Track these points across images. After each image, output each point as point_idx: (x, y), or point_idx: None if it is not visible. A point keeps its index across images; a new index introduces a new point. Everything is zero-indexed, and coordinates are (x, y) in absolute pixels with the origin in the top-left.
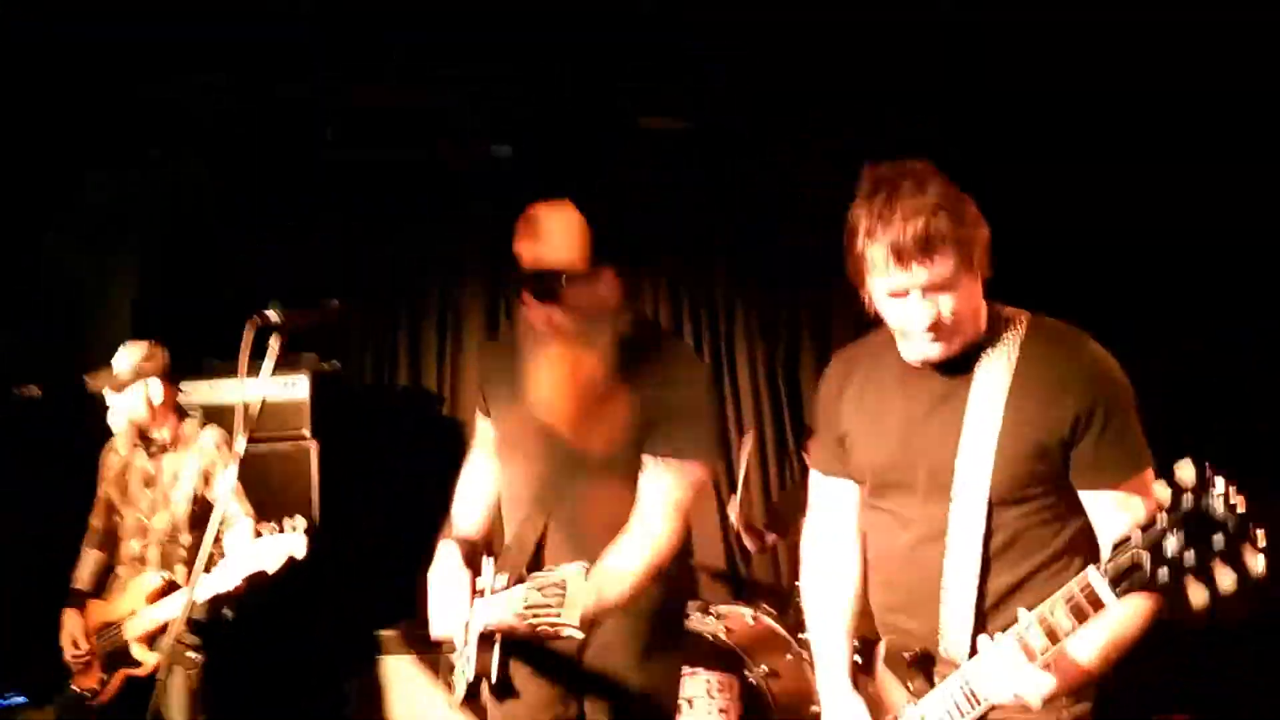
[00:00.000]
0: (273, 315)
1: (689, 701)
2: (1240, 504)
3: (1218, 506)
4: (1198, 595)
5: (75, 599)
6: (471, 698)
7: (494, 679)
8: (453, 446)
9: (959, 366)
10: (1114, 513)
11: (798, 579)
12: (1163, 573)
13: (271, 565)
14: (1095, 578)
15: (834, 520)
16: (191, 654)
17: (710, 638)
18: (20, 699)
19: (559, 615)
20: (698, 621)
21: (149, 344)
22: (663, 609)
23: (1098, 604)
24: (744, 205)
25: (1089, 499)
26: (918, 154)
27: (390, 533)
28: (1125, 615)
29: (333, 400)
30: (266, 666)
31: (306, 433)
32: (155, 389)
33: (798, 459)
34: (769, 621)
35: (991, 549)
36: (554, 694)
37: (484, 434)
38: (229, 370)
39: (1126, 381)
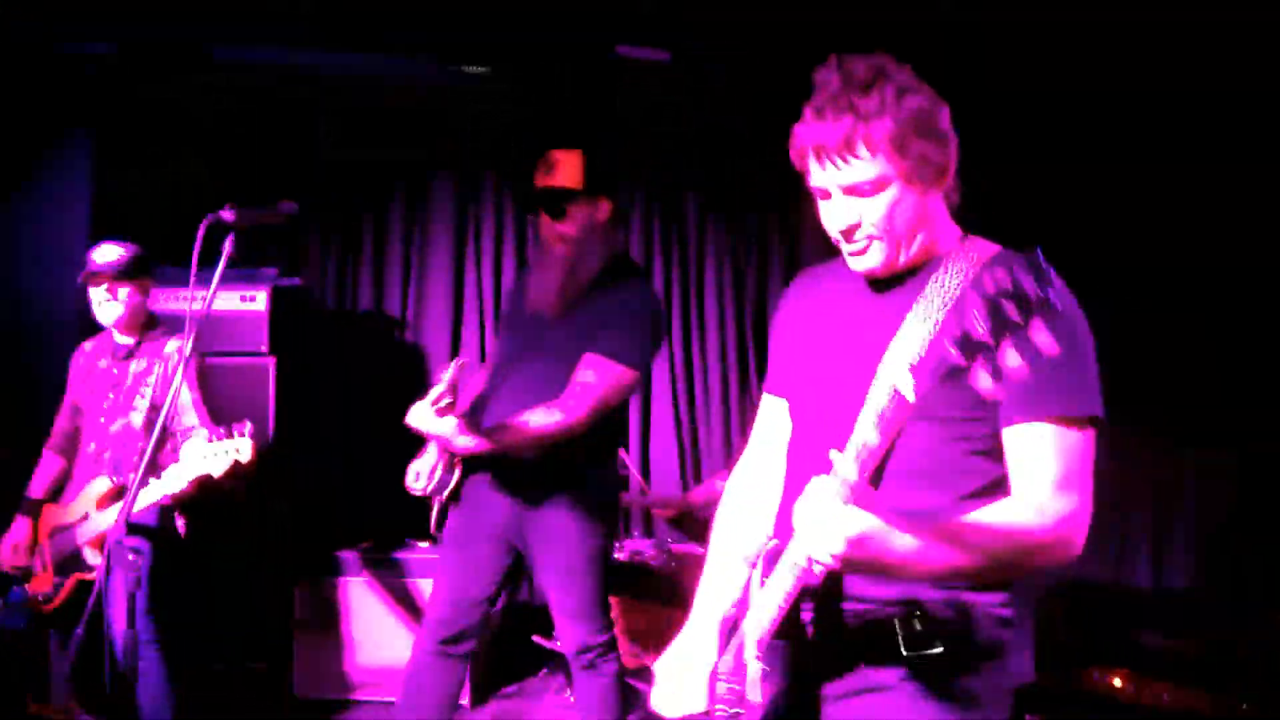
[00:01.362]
0: (226, 214)
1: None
2: (1032, 289)
3: (1008, 303)
4: (984, 380)
5: (28, 506)
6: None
7: (446, 496)
8: (413, 370)
9: (912, 279)
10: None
11: None
12: (960, 355)
13: (218, 469)
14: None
15: (767, 438)
16: (131, 555)
17: (665, 575)
18: None
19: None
20: (653, 558)
21: (124, 245)
22: (600, 491)
23: (900, 402)
24: (720, 139)
25: None
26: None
27: (347, 453)
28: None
29: (292, 317)
30: (215, 579)
31: (264, 348)
32: (124, 292)
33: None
34: None
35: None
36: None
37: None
38: (182, 277)
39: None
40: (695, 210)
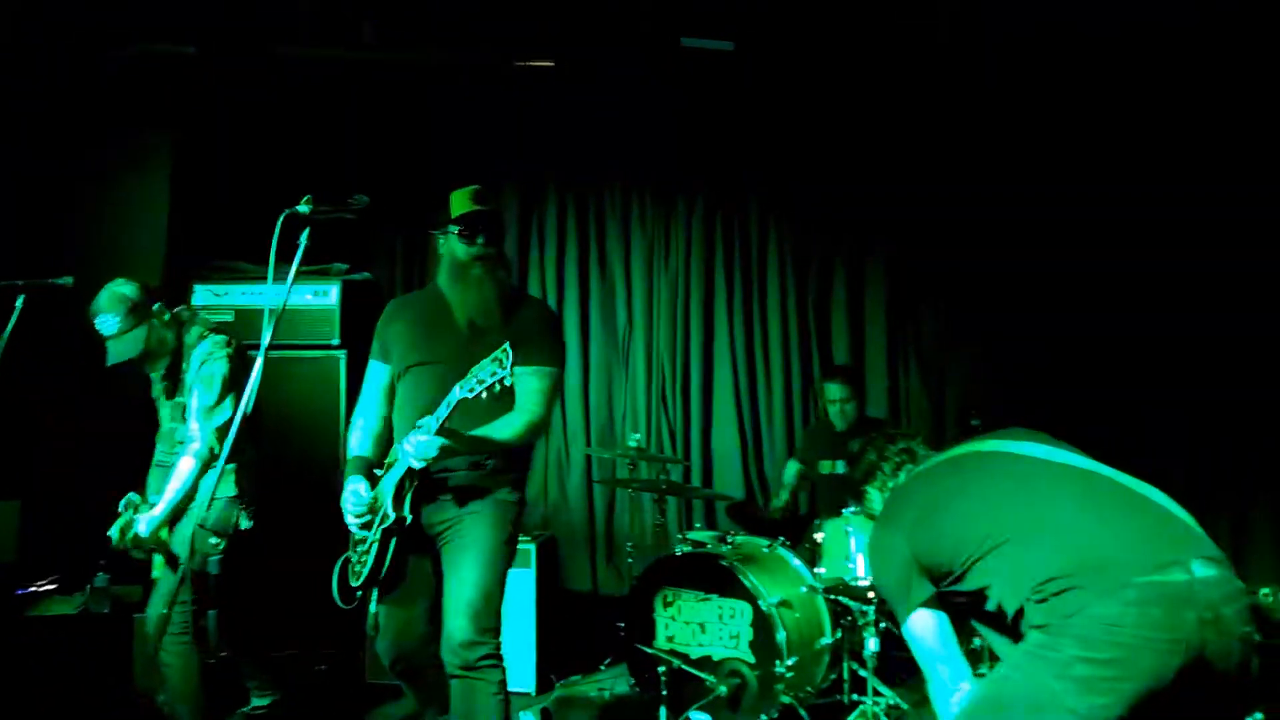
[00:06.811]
0: (302, 208)
1: (701, 626)
2: None
3: None
4: None
5: None
6: (371, 581)
7: (409, 518)
8: None
9: None
10: None
11: (816, 515)
12: None
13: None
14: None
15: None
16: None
17: (725, 565)
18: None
19: (501, 368)
20: (713, 549)
21: (125, 288)
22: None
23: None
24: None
25: None
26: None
27: None
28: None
29: (362, 311)
30: (289, 568)
31: (335, 341)
32: (139, 333)
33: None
34: (783, 552)
35: None
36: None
37: (377, 377)
38: (258, 275)
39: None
40: (757, 205)
